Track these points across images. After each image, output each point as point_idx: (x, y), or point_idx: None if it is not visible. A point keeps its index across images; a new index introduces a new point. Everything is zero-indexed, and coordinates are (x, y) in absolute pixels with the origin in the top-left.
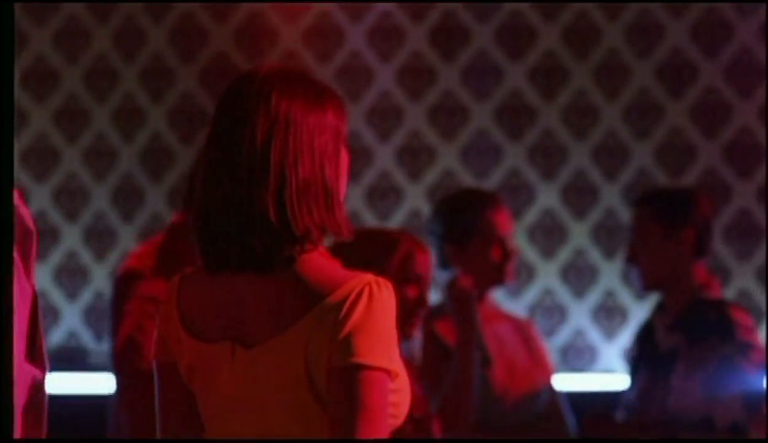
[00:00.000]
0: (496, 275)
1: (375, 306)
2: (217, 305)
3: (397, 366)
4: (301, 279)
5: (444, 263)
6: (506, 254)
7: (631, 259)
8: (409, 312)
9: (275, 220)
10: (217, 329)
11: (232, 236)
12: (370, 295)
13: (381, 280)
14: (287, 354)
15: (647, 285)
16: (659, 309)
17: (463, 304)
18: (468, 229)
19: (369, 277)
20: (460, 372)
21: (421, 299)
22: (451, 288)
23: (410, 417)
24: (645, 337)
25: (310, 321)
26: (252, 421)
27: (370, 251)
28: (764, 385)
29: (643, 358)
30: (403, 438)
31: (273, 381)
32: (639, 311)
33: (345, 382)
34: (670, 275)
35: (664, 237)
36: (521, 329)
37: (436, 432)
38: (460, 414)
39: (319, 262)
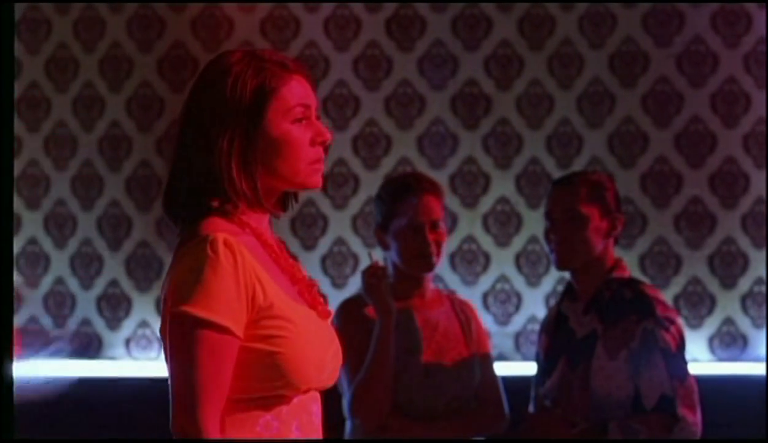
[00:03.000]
0: (419, 260)
1: (203, 260)
2: None
3: (279, 325)
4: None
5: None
6: (424, 238)
7: (550, 238)
8: None
9: (180, 198)
10: None
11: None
12: (199, 250)
13: (217, 238)
14: (166, 305)
15: (564, 265)
16: (568, 296)
17: (372, 289)
18: (391, 214)
19: (207, 236)
20: (376, 353)
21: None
22: (363, 275)
23: None
24: (556, 327)
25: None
26: None
27: None
28: (686, 358)
29: (557, 348)
30: None
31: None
32: None
33: (170, 326)
34: (585, 257)
35: (590, 219)
36: (461, 310)
37: None
38: (373, 394)
39: (202, 226)
